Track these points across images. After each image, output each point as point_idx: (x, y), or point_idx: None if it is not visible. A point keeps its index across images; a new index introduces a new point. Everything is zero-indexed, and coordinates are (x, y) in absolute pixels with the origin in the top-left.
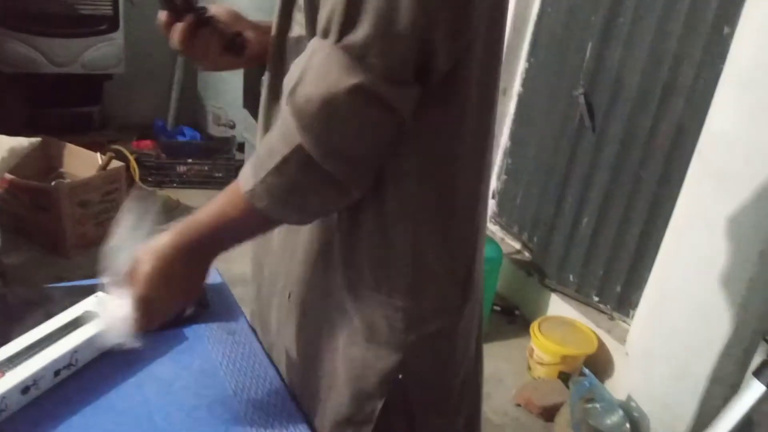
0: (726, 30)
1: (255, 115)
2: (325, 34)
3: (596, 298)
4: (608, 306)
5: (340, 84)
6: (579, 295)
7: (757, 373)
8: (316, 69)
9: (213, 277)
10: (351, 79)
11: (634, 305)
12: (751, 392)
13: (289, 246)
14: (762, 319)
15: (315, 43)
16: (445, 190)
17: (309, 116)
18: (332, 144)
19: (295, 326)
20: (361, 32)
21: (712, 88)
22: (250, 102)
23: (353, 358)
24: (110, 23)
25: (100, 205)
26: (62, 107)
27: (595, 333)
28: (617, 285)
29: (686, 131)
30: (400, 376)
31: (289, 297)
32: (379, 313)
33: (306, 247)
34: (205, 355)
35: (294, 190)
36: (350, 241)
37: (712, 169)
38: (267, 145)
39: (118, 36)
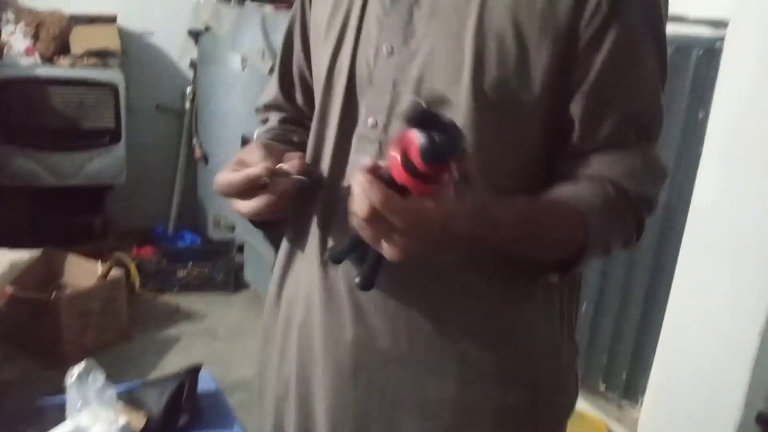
0: (701, 114)
1: None
2: (647, 138)
3: (603, 387)
4: (616, 394)
5: (668, 169)
6: (585, 385)
7: None
8: (657, 165)
9: (206, 383)
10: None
11: (642, 391)
12: None
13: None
14: None
15: (642, 147)
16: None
17: (654, 200)
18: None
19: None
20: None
21: (694, 166)
22: None
23: None
24: (112, 136)
25: (100, 314)
26: (64, 218)
27: (605, 424)
28: (623, 371)
29: (674, 210)
30: None
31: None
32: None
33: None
34: None
35: (619, 231)
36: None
37: (703, 246)
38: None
39: (120, 147)
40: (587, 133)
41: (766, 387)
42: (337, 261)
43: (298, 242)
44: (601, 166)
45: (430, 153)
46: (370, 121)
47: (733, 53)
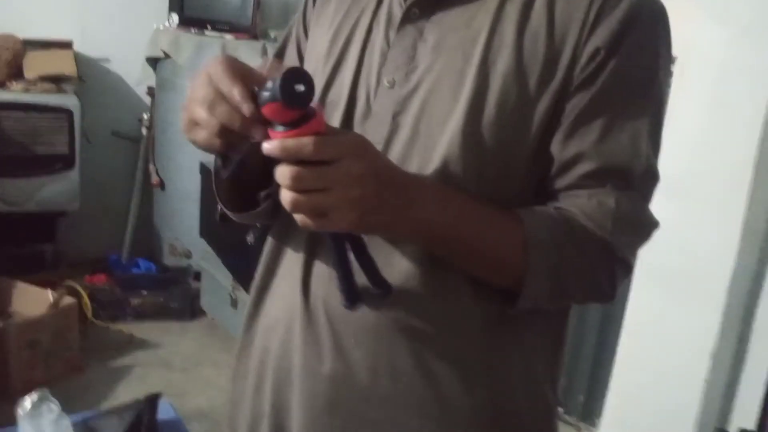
0: None
1: (212, 243)
2: (627, 187)
3: (561, 409)
4: (573, 417)
5: (653, 224)
6: None
7: None
8: (635, 217)
9: (166, 412)
10: (654, 220)
11: (599, 413)
12: None
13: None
14: (721, 417)
15: (617, 193)
16: (562, 316)
17: (633, 250)
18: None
19: None
20: (652, 188)
21: None
22: (207, 230)
23: None
24: (66, 162)
25: (50, 345)
26: (14, 246)
27: None
28: (580, 394)
29: None
30: None
31: None
32: None
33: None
34: None
35: (575, 266)
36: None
37: (654, 271)
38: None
39: (74, 173)
40: (563, 172)
41: (718, 404)
42: (354, 299)
43: (278, 264)
44: (568, 201)
45: (267, 98)
46: None
47: (683, 88)
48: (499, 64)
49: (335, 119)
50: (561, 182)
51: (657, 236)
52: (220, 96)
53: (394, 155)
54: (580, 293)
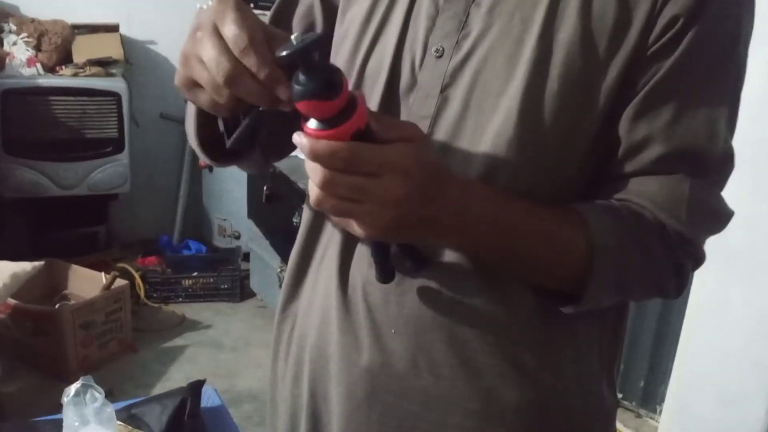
0: None
1: (260, 225)
2: (701, 173)
3: (620, 395)
4: (633, 403)
5: (729, 214)
6: None
7: None
8: (708, 206)
9: (210, 398)
10: (729, 209)
11: (660, 400)
12: None
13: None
14: None
15: (691, 179)
16: (621, 309)
17: (698, 244)
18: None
19: None
20: (729, 174)
21: None
22: (255, 212)
23: None
24: (116, 145)
25: (104, 326)
26: (67, 229)
27: None
28: (640, 380)
29: None
30: None
31: None
32: None
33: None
34: None
35: (641, 269)
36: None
37: (719, 250)
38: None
39: (124, 156)
40: (631, 155)
41: None
42: (389, 274)
43: (316, 244)
44: (637, 189)
45: (299, 94)
46: None
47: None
48: (562, 32)
49: (375, 92)
50: (629, 167)
51: None
52: (239, 66)
53: (442, 134)
54: (642, 294)
